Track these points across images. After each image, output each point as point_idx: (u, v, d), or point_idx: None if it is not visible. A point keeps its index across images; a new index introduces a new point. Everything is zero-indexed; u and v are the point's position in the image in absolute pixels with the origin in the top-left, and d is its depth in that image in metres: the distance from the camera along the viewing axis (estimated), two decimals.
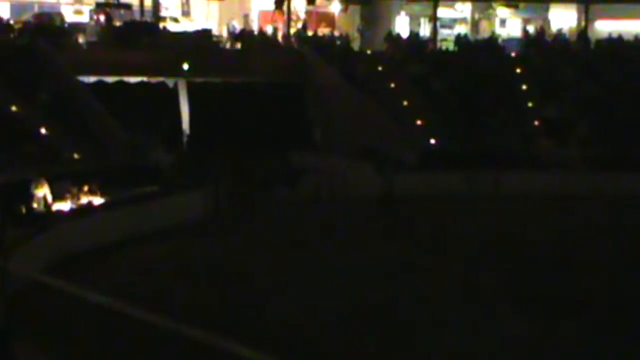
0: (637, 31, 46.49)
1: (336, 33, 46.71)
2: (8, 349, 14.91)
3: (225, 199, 30.31)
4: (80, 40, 39.90)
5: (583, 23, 48.24)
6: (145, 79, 38.18)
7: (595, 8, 48.45)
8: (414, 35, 46.93)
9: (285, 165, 34.93)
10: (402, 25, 50.24)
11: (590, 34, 47.22)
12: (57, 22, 41.64)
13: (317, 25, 48.06)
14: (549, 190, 33.16)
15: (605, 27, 48.22)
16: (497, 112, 38.92)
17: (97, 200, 26.97)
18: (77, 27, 41.49)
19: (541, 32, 47.44)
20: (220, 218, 28.98)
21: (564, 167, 35.89)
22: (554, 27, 49.94)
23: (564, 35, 47.38)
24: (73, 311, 17.32)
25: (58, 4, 46.28)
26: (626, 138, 37.59)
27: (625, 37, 45.80)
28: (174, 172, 30.92)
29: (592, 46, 45.90)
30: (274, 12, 46.43)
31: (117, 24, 41.60)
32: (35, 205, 25.61)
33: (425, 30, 49.49)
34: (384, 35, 45.64)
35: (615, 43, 45.40)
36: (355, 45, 45.27)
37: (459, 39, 46.01)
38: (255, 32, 44.76)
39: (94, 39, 40.38)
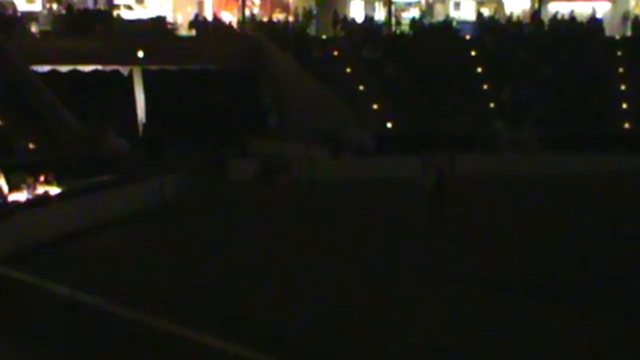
0: (589, 13, 46.96)
1: (291, 18, 46.74)
2: None
3: (181, 188, 30.25)
4: (33, 29, 39.62)
5: (537, 5, 48.58)
6: (99, 67, 38.03)
7: None
8: (368, 19, 47.05)
9: (243, 152, 35.01)
10: (356, 10, 50.34)
11: (543, 16, 47.62)
12: (9, 11, 41.29)
13: (272, 11, 48.06)
14: (503, 172, 33.50)
15: (558, 8, 48.59)
16: (451, 96, 39.21)
17: (54, 191, 26.85)
18: (30, 16, 41.21)
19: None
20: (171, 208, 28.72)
21: (518, 149, 36.27)
22: (508, 10, 50.27)
23: (517, 17, 47.76)
24: (32, 302, 17.28)
25: None
26: (580, 119, 38.07)
27: (578, 19, 46.30)
28: (130, 161, 30.84)
29: (546, 28, 46.33)
30: None
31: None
32: None
33: (380, 14, 49.63)
34: (336, 19, 45.80)
35: (568, 25, 45.87)
36: (312, 31, 45.38)
37: (414, 23, 46.25)
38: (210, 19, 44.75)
39: (47, 27, 40.12)
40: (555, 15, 46.61)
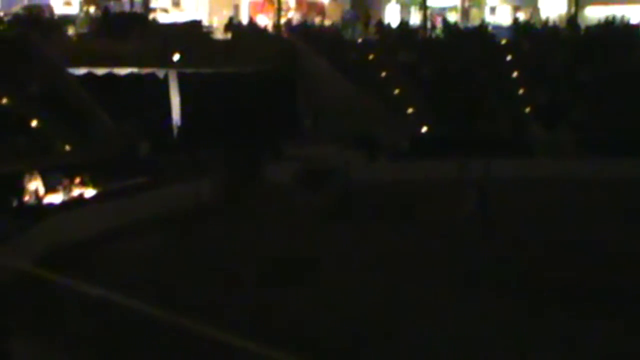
0: (627, 17, 46.56)
1: (326, 22, 46.74)
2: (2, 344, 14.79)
3: (217, 190, 30.20)
4: (70, 31, 39.86)
5: (573, 9, 48.26)
6: (135, 70, 38.12)
7: None
8: (404, 23, 46.96)
9: (278, 155, 34.94)
10: (392, 14, 50.31)
11: (580, 20, 47.26)
12: (47, 14, 41.61)
13: (308, 14, 48.09)
14: (539, 176, 33.19)
15: (595, 13, 48.25)
16: (487, 99, 39.03)
17: (89, 192, 26.96)
18: (67, 19, 41.49)
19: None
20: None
21: (555, 153, 35.98)
22: (544, 14, 50.02)
23: (554, 22, 47.46)
24: (67, 303, 17.34)
25: None
26: (617, 123, 37.68)
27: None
28: (152, 163, 30.78)
29: (582, 33, 45.95)
30: (264, 2, 46.44)
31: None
32: (27, 197, 25.64)
33: (415, 19, 49.54)
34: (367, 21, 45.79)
35: (605, 28, 45.47)
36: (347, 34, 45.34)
37: (449, 27, 46.05)
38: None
39: (83, 30, 40.34)
40: (607, 19, 46.06)
